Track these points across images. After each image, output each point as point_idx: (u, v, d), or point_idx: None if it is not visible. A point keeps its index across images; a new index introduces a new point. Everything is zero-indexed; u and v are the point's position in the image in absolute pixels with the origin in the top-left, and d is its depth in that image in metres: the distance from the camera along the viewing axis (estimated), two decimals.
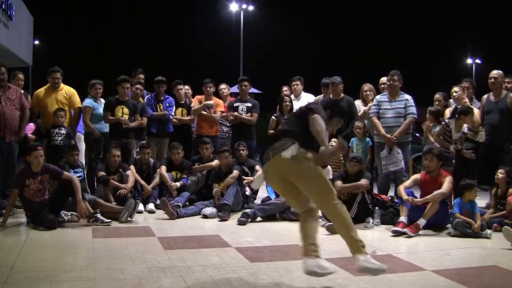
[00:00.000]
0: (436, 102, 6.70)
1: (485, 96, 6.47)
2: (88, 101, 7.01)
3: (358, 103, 7.18)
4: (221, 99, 7.77)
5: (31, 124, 6.52)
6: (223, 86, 7.94)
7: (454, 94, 6.36)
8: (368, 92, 7.17)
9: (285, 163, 3.26)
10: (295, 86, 7.69)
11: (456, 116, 5.97)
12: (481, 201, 6.44)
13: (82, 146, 7.02)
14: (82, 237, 4.75)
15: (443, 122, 6.08)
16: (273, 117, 7.26)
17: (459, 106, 6.12)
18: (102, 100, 7.10)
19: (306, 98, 7.52)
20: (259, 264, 3.86)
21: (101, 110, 6.97)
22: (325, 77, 7.40)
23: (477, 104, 6.56)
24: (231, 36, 26.77)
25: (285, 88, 7.96)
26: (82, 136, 7.12)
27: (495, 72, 6.32)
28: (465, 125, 6.01)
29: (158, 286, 3.27)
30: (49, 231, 4.91)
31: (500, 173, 5.48)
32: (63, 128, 6.52)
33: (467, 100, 6.37)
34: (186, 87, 7.92)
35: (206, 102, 7.39)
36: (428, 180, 5.44)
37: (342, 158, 6.50)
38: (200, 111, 7.39)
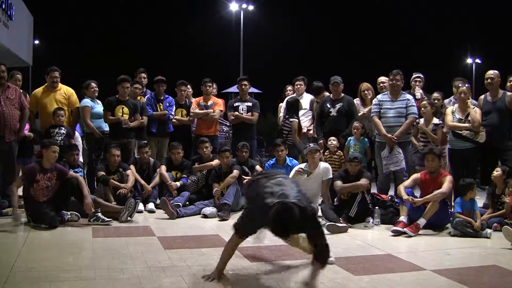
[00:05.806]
0: (436, 102, 6.69)
1: (482, 96, 6.44)
2: (86, 101, 6.97)
3: (356, 102, 7.18)
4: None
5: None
6: (188, 86, 7.85)
7: (463, 95, 6.31)
8: (366, 92, 7.17)
9: None
10: (298, 86, 7.71)
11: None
12: (480, 200, 6.43)
13: (80, 145, 7.00)
14: (82, 236, 4.75)
15: (414, 123, 6.24)
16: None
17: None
18: (98, 101, 7.09)
19: (307, 98, 7.56)
20: (259, 264, 3.86)
21: (99, 109, 6.97)
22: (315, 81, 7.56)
23: (474, 103, 6.54)
24: (231, 36, 26.78)
25: (289, 88, 7.96)
26: (79, 136, 7.11)
27: (491, 72, 6.30)
28: (435, 118, 6.24)
29: (158, 286, 3.26)
30: (49, 231, 4.91)
31: (496, 171, 5.48)
32: (62, 128, 6.51)
33: (469, 100, 6.36)
34: (188, 86, 7.92)
35: (209, 112, 7.34)
36: (428, 180, 5.44)
37: (343, 158, 6.50)
38: (199, 116, 7.39)
